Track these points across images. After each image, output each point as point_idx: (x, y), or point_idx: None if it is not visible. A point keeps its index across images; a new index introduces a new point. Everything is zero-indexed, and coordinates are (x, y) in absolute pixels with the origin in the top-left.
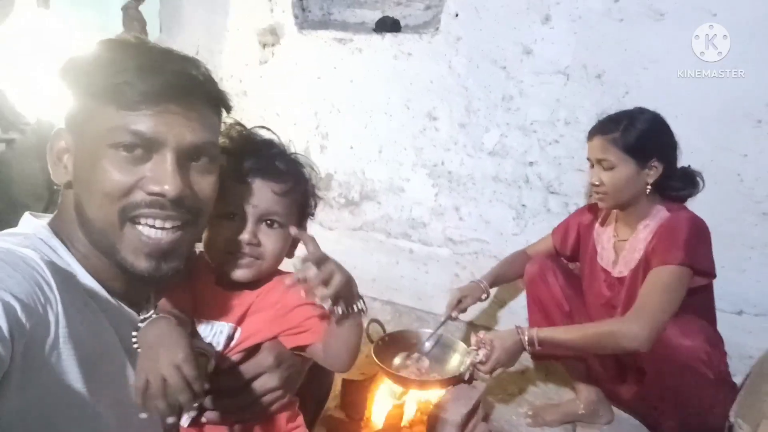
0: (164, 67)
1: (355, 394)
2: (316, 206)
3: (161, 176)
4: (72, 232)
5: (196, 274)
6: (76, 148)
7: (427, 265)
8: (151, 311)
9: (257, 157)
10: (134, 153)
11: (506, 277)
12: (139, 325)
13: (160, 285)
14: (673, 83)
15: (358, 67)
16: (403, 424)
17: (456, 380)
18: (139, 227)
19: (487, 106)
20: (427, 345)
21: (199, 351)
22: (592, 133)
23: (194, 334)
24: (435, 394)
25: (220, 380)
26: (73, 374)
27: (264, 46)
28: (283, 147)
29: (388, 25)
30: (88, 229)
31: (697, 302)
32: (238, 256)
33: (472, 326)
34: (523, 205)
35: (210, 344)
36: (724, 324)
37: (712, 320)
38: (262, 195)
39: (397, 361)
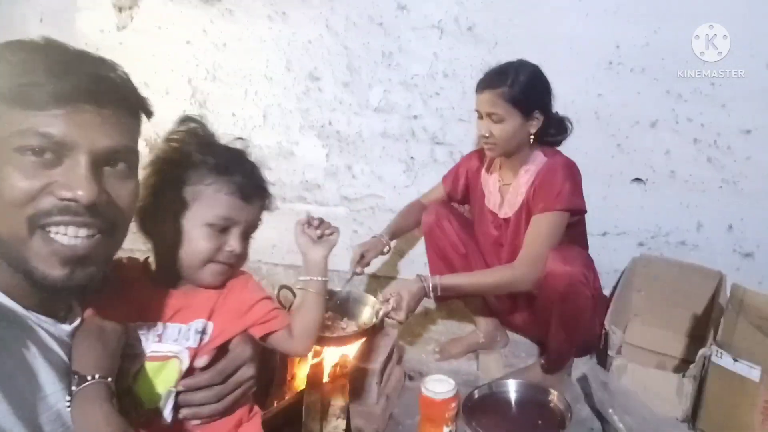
0: (77, 68)
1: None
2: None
3: (73, 181)
4: None
5: (129, 280)
6: None
7: None
8: (90, 377)
9: (255, 177)
10: (43, 157)
11: (405, 227)
12: (72, 391)
13: (75, 294)
14: (536, 34)
15: (231, 29)
16: (324, 380)
17: (370, 332)
18: (51, 234)
19: (368, 64)
20: (337, 302)
21: (165, 357)
22: (481, 86)
23: (159, 339)
24: (351, 347)
25: (199, 378)
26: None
27: (120, 9)
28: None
29: None
30: None
31: (572, 232)
32: (219, 264)
33: (376, 278)
34: (412, 158)
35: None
36: (592, 245)
37: (584, 245)
38: (255, 211)
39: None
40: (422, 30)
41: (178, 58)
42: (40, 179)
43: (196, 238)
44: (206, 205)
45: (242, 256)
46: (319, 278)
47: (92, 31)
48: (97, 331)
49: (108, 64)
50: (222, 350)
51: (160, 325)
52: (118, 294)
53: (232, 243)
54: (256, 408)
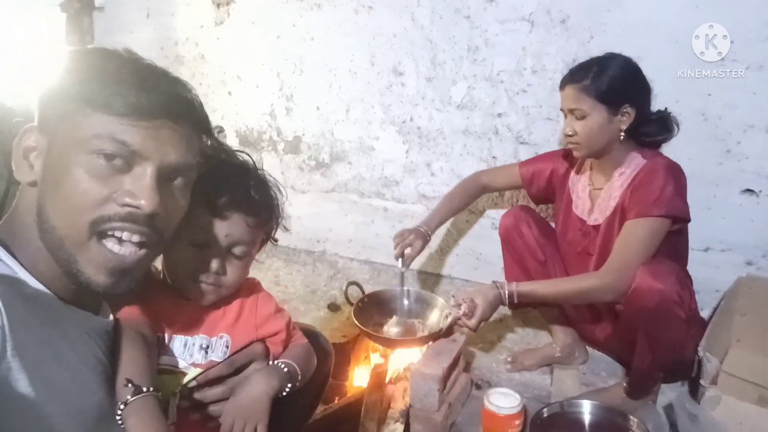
0: (159, 84)
1: (337, 357)
2: (277, 230)
3: (139, 190)
4: (25, 235)
5: (154, 290)
6: (49, 149)
7: (402, 223)
8: (145, 389)
9: (234, 191)
10: (113, 163)
11: (451, 212)
12: (127, 400)
13: (113, 300)
14: (637, 27)
15: (319, 23)
16: (386, 381)
17: (436, 336)
18: (106, 242)
19: (453, 58)
20: (403, 302)
21: (170, 369)
22: (564, 82)
23: (165, 350)
24: (417, 351)
25: (210, 371)
26: (24, 389)
27: (218, 5)
28: (257, 173)
29: None
30: (48, 234)
31: (672, 244)
32: (201, 283)
33: (449, 279)
34: (494, 157)
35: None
36: (692, 261)
37: (684, 260)
38: (236, 227)
39: (386, 328)
40: (511, 23)
41: (268, 52)
42: (108, 186)
43: (176, 252)
44: (188, 223)
45: (229, 279)
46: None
47: (192, 27)
48: (141, 341)
49: (186, 85)
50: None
51: (167, 336)
52: (144, 302)
53: (213, 263)
54: None
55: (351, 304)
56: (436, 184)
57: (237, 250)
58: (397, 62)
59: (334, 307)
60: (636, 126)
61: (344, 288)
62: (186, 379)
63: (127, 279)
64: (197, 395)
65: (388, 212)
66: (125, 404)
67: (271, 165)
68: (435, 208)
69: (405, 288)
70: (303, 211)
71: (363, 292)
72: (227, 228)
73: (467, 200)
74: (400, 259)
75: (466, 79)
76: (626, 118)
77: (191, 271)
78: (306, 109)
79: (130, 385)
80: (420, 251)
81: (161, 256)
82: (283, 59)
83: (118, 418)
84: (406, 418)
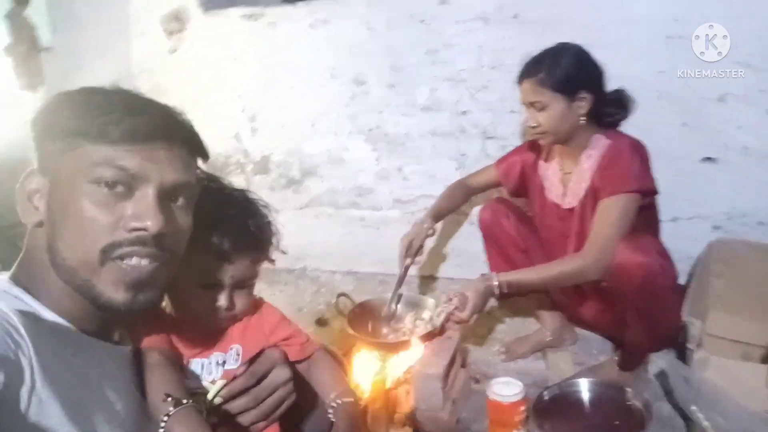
0: (150, 109)
1: None
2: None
3: (143, 212)
4: (40, 274)
5: (164, 323)
6: (51, 188)
7: (380, 230)
8: (185, 401)
9: (238, 233)
10: (115, 190)
11: (447, 209)
12: (169, 412)
13: (133, 318)
14: (586, 15)
15: (275, 41)
16: (388, 386)
17: (432, 335)
18: (119, 262)
19: (413, 63)
20: (393, 307)
21: (194, 391)
22: (521, 77)
23: (185, 374)
24: (414, 353)
25: (233, 385)
26: (57, 418)
27: (171, 33)
28: (252, 205)
29: None
30: (62, 267)
31: (644, 217)
32: (212, 319)
33: (433, 279)
34: (463, 155)
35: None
36: (662, 232)
37: (657, 232)
38: (241, 266)
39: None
40: (465, 23)
41: (227, 74)
42: (114, 213)
43: (184, 294)
44: (193, 266)
45: (238, 308)
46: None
47: (146, 57)
48: (169, 362)
49: (175, 108)
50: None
51: (185, 361)
52: (159, 332)
53: (222, 300)
54: None
55: (343, 315)
56: (410, 187)
57: (244, 284)
58: (358, 72)
59: (322, 322)
60: (595, 108)
61: (335, 300)
62: (210, 395)
63: (146, 293)
64: (225, 407)
65: (366, 221)
66: (168, 416)
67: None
68: (431, 206)
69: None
70: (279, 230)
71: (353, 302)
72: (233, 269)
73: (455, 202)
74: (404, 257)
75: (428, 81)
76: (584, 102)
77: (201, 309)
78: (271, 128)
79: (169, 399)
80: (425, 237)
81: (167, 298)
82: (243, 80)
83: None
84: (413, 420)
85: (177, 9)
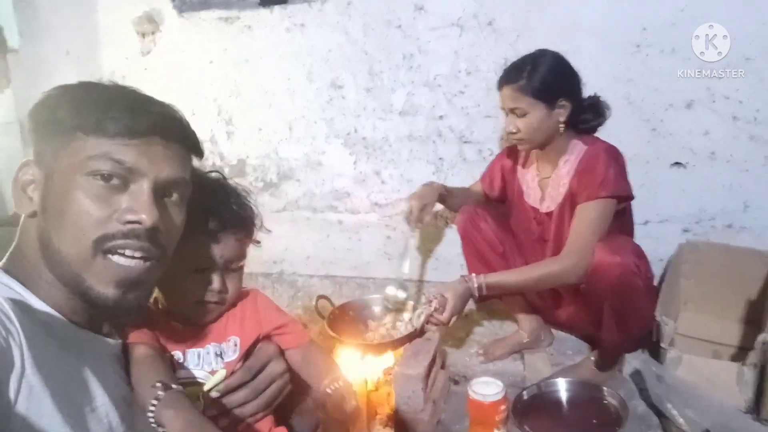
0: (147, 105)
1: None
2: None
3: (138, 206)
4: (32, 265)
5: (155, 319)
6: (46, 180)
7: (358, 233)
8: (173, 386)
9: (222, 212)
10: (110, 183)
11: (458, 195)
12: (155, 402)
13: (122, 316)
14: (559, 23)
15: (251, 45)
16: (369, 388)
17: (412, 336)
18: (111, 257)
19: (390, 68)
20: (406, 266)
21: (189, 381)
22: (501, 83)
23: (180, 365)
24: (393, 354)
25: (230, 380)
26: (46, 406)
27: (143, 35)
28: (230, 187)
29: None
30: (53, 259)
31: (619, 221)
32: (206, 304)
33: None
34: (441, 159)
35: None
36: (634, 234)
37: (631, 234)
38: (229, 245)
39: (369, 335)
40: (441, 29)
41: (202, 78)
42: (108, 205)
43: (176, 280)
44: (183, 251)
45: (230, 293)
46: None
47: (117, 60)
48: (156, 356)
49: (172, 106)
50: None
51: (180, 353)
52: (150, 327)
53: (215, 283)
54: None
55: (322, 318)
56: (387, 191)
57: (233, 265)
58: (335, 76)
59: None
60: (573, 115)
61: (314, 303)
62: (207, 386)
63: (135, 292)
64: (224, 400)
65: (343, 225)
66: (157, 400)
67: None
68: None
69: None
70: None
71: (332, 305)
72: (221, 249)
73: (464, 195)
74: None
75: (404, 86)
76: (563, 109)
77: (195, 294)
78: (247, 132)
79: (159, 384)
80: (436, 197)
81: (156, 289)
82: (218, 84)
83: (150, 416)
84: (394, 421)
85: (150, 11)
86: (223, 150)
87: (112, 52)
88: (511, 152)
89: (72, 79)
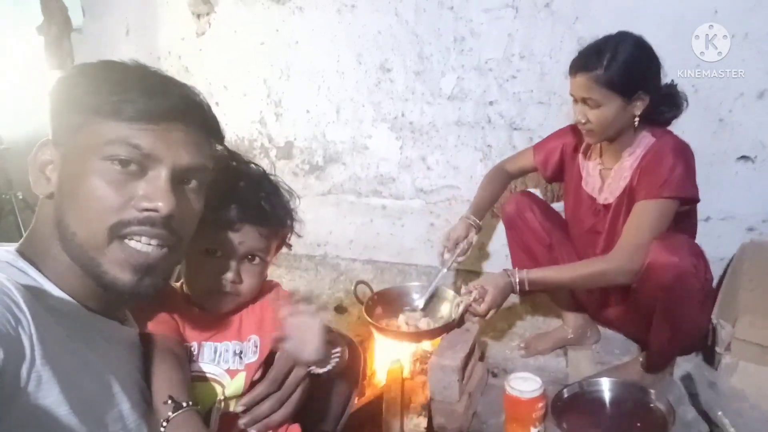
0: (169, 89)
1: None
2: (291, 236)
3: (155, 193)
4: (47, 247)
5: (177, 303)
6: (63, 161)
7: (401, 219)
8: (185, 404)
9: (243, 202)
10: (128, 168)
11: (490, 200)
12: (169, 417)
13: (138, 301)
14: (620, 5)
15: (302, 26)
16: (405, 376)
17: (449, 327)
18: (128, 242)
19: (440, 51)
20: (421, 301)
21: (203, 377)
22: (574, 68)
23: (195, 358)
24: (431, 344)
25: (256, 392)
26: (54, 397)
27: (198, 16)
28: (269, 182)
29: None
30: (69, 242)
31: (681, 224)
32: (219, 292)
33: (455, 272)
34: (489, 146)
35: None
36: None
37: (693, 236)
38: (249, 236)
39: (400, 319)
40: (495, 11)
41: (253, 59)
42: (125, 191)
43: (195, 265)
44: (198, 231)
45: (246, 285)
46: None
47: (174, 40)
48: (173, 357)
49: (193, 89)
50: (272, 358)
51: (196, 344)
52: (169, 312)
53: (229, 271)
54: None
55: (361, 303)
56: (433, 177)
57: (251, 258)
58: (384, 59)
59: (341, 309)
60: (649, 107)
61: (353, 287)
62: (228, 393)
63: (151, 277)
64: (250, 414)
65: (387, 210)
66: (167, 421)
67: None
68: (473, 200)
69: (415, 284)
70: (300, 215)
71: (372, 291)
72: (239, 237)
73: (495, 193)
74: (443, 257)
75: (454, 70)
76: (640, 103)
77: (207, 280)
78: (296, 114)
79: (170, 401)
80: (468, 234)
81: (182, 269)
82: (269, 65)
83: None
84: (428, 411)
85: None
86: (271, 132)
87: (169, 32)
88: (573, 131)
89: (131, 57)
